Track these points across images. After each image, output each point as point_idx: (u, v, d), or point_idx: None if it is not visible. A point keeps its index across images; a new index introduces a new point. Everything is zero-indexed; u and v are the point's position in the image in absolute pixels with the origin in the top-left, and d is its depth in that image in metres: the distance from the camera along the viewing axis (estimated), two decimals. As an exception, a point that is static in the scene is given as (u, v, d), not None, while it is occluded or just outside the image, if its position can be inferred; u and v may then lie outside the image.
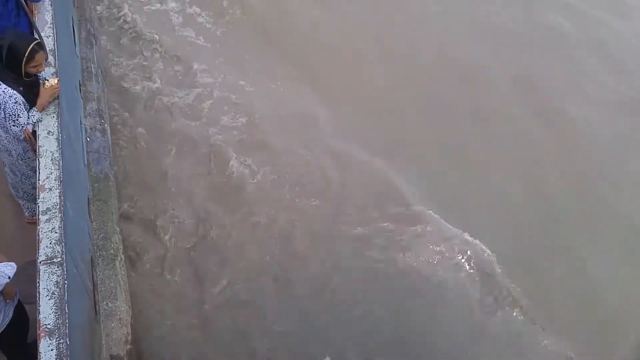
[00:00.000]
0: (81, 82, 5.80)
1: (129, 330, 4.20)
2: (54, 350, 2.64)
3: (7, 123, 3.43)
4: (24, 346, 3.43)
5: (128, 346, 4.10)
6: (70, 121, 4.23)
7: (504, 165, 6.78)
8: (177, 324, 4.89)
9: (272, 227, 5.77)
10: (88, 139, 5.51)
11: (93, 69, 6.33)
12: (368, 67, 7.69)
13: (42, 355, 2.61)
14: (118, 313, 4.25)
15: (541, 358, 5.34)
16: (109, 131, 5.89)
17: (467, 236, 5.97)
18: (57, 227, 3.07)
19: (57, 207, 3.17)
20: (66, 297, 2.85)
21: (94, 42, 6.77)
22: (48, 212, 3.14)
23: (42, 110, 3.56)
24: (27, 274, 3.19)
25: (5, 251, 3.05)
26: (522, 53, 8.23)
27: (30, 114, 3.51)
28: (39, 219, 3.11)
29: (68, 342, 2.72)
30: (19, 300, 3.23)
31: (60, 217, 3.12)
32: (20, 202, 4.18)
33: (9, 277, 2.87)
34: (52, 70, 3.95)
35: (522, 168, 6.79)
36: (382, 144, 6.74)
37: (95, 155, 5.42)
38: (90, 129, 5.63)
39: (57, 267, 2.93)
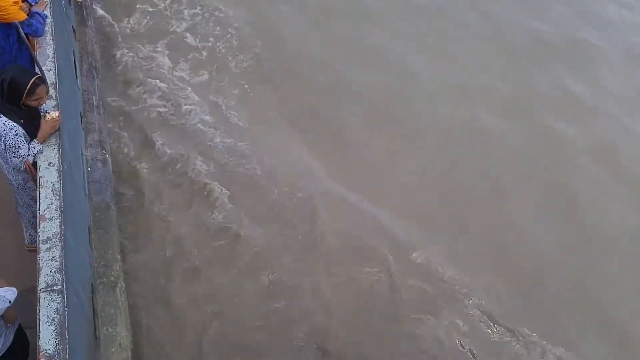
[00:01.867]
0: (82, 113, 5.98)
1: (129, 354, 4.26)
2: (54, 376, 2.72)
3: (8, 155, 3.57)
4: (24, 372, 3.50)
5: (128, 371, 4.15)
6: (71, 152, 4.37)
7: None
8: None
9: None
10: (89, 169, 5.66)
11: (94, 100, 6.54)
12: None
13: (42, 380, 2.69)
14: (118, 338, 4.31)
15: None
16: (109, 161, 6.05)
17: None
18: (57, 255, 3.17)
19: (58, 236, 3.27)
20: (66, 324, 2.94)
21: (95, 74, 7.00)
22: (48, 241, 3.25)
23: (43, 142, 3.70)
24: (28, 301, 3.27)
25: (4, 278, 3.14)
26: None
27: (31, 146, 3.64)
28: (39, 247, 3.22)
29: (68, 370, 2.79)
30: (19, 325, 3.31)
31: (61, 246, 3.23)
32: (23, 227, 4.29)
33: (10, 302, 2.96)
34: (54, 103, 4.11)
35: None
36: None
37: (96, 185, 5.56)
38: (91, 159, 5.79)
39: (58, 295, 3.02)
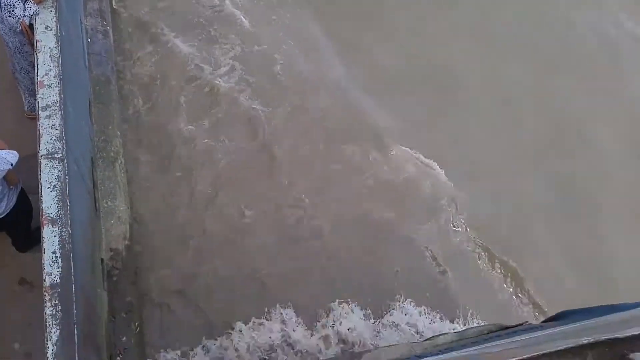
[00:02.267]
0: (81, -23, 5.59)
1: (127, 228, 4.43)
2: (57, 237, 2.84)
3: (3, 13, 3.39)
4: (28, 231, 3.66)
5: (126, 242, 4.35)
6: (70, 18, 4.15)
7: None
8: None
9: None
10: (89, 40, 5.42)
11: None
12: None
13: (45, 240, 2.80)
14: (117, 212, 4.46)
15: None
16: (111, 33, 5.77)
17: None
18: (57, 124, 3.14)
19: (57, 104, 3.22)
20: (67, 191, 3.00)
21: None
22: (48, 109, 3.20)
23: (39, 2, 3.49)
24: (29, 166, 3.31)
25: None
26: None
27: (27, 6, 3.44)
28: (39, 114, 3.17)
29: (70, 232, 2.91)
30: (22, 189, 3.39)
31: (61, 115, 3.19)
32: (22, 94, 4.22)
33: (12, 164, 2.99)
34: (50, -38, 3.80)
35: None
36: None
37: (96, 58, 5.37)
38: (91, 29, 5.53)
39: (58, 163, 3.04)
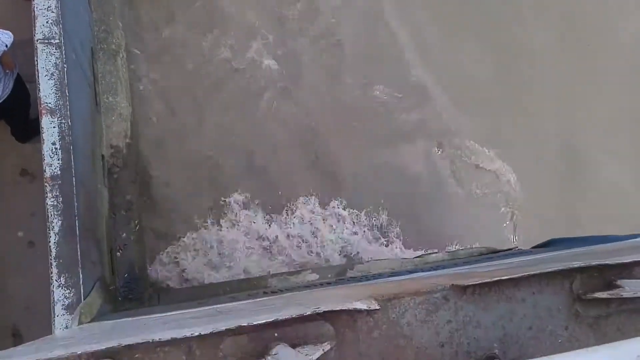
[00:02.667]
0: None
1: (129, 126, 4.36)
2: (56, 128, 2.77)
3: None
4: (26, 120, 3.58)
5: (127, 140, 4.29)
6: None
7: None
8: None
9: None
10: None
11: None
12: None
13: (44, 130, 2.74)
14: (118, 108, 4.35)
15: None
16: None
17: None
18: (53, 6, 2.93)
19: (53, -16, 2.98)
20: (66, 81, 2.87)
21: None
22: (43, -11, 2.97)
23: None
24: (26, 53, 3.15)
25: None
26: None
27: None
28: (33, -6, 2.96)
29: (70, 124, 2.83)
30: (19, 75, 3.26)
31: (57, -4, 2.97)
32: None
33: (6, 46, 2.84)
34: None
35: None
36: None
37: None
38: None
39: (56, 49, 2.89)
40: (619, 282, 2.08)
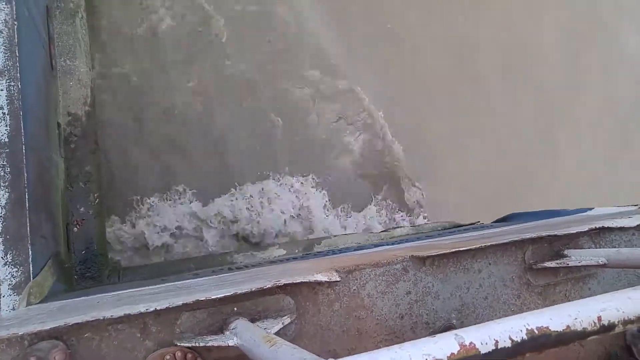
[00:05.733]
0: None
1: (89, 93, 4.16)
2: (4, 91, 2.60)
3: None
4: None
5: (87, 108, 4.11)
6: None
7: None
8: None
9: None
10: None
11: None
12: None
13: (-9, 92, 2.57)
14: (77, 73, 4.14)
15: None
16: None
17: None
18: (-1, -45, 2.72)
19: None
20: (16, 39, 2.69)
21: None
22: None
23: None
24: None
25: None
26: None
27: None
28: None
29: (20, 87, 2.67)
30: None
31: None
32: None
33: None
34: None
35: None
36: None
37: None
38: None
39: (5, 4, 2.69)
40: (566, 251, 2.22)
